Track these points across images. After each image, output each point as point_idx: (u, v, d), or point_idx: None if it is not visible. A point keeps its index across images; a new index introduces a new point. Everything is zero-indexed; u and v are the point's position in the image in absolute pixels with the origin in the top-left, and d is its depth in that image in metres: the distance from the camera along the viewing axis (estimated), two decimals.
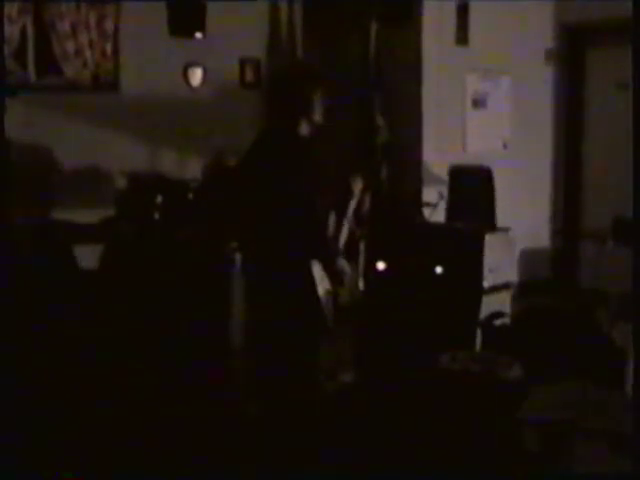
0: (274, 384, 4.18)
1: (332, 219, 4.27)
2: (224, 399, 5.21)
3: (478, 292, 5.50)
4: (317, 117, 4.19)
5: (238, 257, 5.40)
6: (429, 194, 6.95)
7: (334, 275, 4.09)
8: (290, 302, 4.01)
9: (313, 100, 4.16)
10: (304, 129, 4.16)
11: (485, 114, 7.80)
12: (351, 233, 4.46)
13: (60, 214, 6.41)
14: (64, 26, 6.90)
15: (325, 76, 4.29)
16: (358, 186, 4.47)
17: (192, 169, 6.93)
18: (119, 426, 4.81)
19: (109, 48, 6.99)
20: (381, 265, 5.73)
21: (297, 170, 4.03)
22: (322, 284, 3.98)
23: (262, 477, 4.12)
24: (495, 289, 5.61)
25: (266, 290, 4.08)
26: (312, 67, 4.29)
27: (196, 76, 7.08)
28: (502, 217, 6.57)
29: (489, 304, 5.54)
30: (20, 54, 6.79)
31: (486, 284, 5.53)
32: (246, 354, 4.98)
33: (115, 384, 5.27)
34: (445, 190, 6.54)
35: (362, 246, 5.70)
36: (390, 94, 7.25)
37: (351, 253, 4.52)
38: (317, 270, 3.99)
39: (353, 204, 4.44)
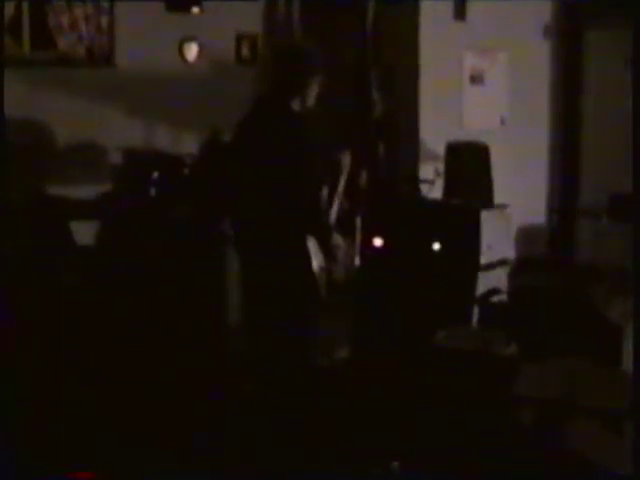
0: (269, 360, 4.18)
1: (324, 194, 4.26)
2: (220, 376, 5.21)
3: (475, 269, 5.50)
4: (309, 102, 4.26)
5: (233, 233, 5.38)
6: (426, 170, 6.93)
7: (328, 250, 4.09)
8: (285, 277, 4.01)
9: (310, 85, 4.23)
10: (295, 105, 4.17)
11: (482, 90, 7.76)
12: (342, 209, 4.45)
13: (55, 190, 6.38)
14: None
15: (324, 63, 4.33)
16: (347, 161, 4.47)
17: (188, 145, 6.89)
18: (113, 404, 4.81)
19: (104, 22, 6.92)
20: (378, 241, 5.72)
21: (291, 144, 4.01)
22: (316, 259, 3.98)
23: (258, 456, 4.13)
24: (492, 266, 5.60)
25: (261, 266, 4.07)
26: (316, 50, 4.33)
27: (192, 51, 7.02)
28: (499, 194, 6.56)
29: (486, 281, 5.55)
30: (15, 28, 6.74)
31: (483, 261, 5.52)
32: (241, 331, 4.98)
33: (111, 362, 5.27)
34: (442, 167, 6.51)
35: (358, 222, 5.68)
36: (387, 70, 7.21)
37: (343, 229, 4.50)
38: (312, 245, 3.98)
39: (343, 179, 4.43)
